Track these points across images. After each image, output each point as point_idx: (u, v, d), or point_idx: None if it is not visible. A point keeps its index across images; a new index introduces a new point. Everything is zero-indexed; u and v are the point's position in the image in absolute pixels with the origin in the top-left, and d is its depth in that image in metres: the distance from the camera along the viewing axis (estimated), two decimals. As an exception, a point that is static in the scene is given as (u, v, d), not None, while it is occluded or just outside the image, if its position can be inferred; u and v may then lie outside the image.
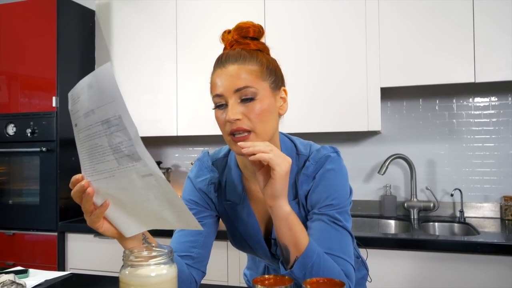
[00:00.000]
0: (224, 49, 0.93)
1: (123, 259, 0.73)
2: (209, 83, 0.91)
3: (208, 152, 1.06)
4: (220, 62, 0.88)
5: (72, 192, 0.74)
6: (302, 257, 0.81)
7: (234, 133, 0.85)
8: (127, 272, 0.72)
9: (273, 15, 2.27)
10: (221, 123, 0.88)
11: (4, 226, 2.41)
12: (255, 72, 0.86)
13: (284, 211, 0.81)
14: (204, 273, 1.01)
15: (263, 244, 1.01)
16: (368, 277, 1.19)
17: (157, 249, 0.76)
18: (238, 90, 0.84)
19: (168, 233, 1.08)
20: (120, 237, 0.81)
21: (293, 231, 0.82)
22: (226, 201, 1.01)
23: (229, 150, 1.03)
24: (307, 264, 0.80)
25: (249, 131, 0.84)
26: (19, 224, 2.38)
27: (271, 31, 2.25)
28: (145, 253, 0.75)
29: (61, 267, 2.30)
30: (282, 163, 0.79)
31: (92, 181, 0.73)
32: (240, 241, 1.04)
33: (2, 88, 2.47)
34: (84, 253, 2.30)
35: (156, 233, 0.88)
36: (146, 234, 0.87)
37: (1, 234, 2.41)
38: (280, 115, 0.93)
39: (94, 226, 0.77)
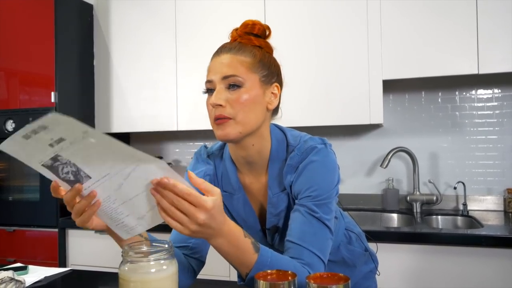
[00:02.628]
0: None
1: (122, 255, 0.71)
2: None
3: (206, 146, 1.09)
4: (216, 51, 0.93)
5: (67, 197, 0.70)
6: (252, 272, 0.80)
7: (215, 118, 0.89)
8: (126, 268, 0.71)
9: (274, 7, 2.25)
10: (209, 109, 0.91)
11: (5, 222, 2.40)
12: (246, 63, 0.89)
13: (217, 244, 0.77)
14: (203, 263, 1.01)
15: (259, 233, 1.02)
16: (377, 271, 1.20)
17: (157, 244, 0.75)
18: (225, 78, 0.88)
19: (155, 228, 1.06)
20: (112, 234, 0.81)
21: (234, 255, 0.79)
22: (223, 192, 1.02)
23: (225, 143, 1.04)
24: None
25: (229, 118, 0.87)
26: (19, 221, 2.37)
27: (271, 23, 2.22)
28: (145, 248, 0.73)
29: (62, 264, 2.30)
30: (183, 228, 0.70)
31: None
32: None
33: (1, 84, 2.45)
34: (85, 249, 2.29)
35: (159, 228, 0.86)
36: None
37: (1, 231, 2.40)
38: (268, 110, 0.94)
39: (84, 224, 0.74)
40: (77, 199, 0.71)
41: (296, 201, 0.93)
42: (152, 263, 0.70)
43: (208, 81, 0.91)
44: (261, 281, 0.69)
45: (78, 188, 0.68)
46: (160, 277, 0.71)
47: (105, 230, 0.81)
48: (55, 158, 0.64)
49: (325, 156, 0.92)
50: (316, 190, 0.90)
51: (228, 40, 0.97)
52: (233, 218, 1.04)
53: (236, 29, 0.97)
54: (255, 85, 0.89)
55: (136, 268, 0.70)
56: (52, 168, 0.66)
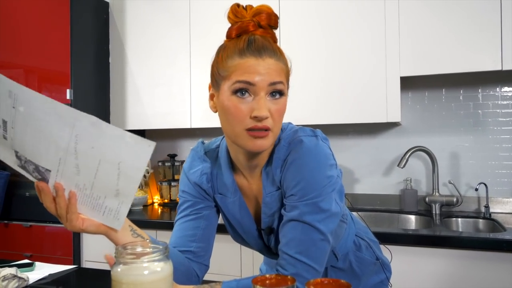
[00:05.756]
0: (239, 28, 0.86)
1: (115, 256, 0.69)
2: (222, 63, 0.86)
3: (203, 142, 1.03)
4: (256, 49, 0.81)
5: (44, 201, 0.72)
6: None
7: (253, 129, 0.80)
8: (119, 270, 0.68)
9: (289, 2, 2.20)
10: (241, 114, 0.80)
11: (22, 218, 2.44)
12: (284, 72, 0.84)
13: None
14: (207, 267, 0.99)
15: (256, 236, 0.98)
16: (389, 283, 1.11)
17: (151, 245, 0.72)
18: (273, 84, 0.80)
19: (169, 227, 1.04)
20: (108, 232, 0.80)
21: None
22: (218, 194, 0.98)
23: (221, 142, 0.99)
24: None
25: (270, 130, 0.81)
26: (36, 216, 2.40)
27: (285, 19, 2.18)
28: (138, 249, 0.71)
29: (77, 259, 2.32)
30: None
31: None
32: (233, 232, 1.03)
33: (20, 81, 2.48)
34: (99, 246, 2.30)
35: (156, 226, 0.84)
36: (132, 226, 0.84)
37: (18, 226, 2.44)
38: None
39: (75, 226, 0.75)
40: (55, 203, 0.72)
41: (284, 200, 0.86)
42: (145, 264, 0.67)
43: (247, 82, 0.79)
44: (259, 286, 0.66)
45: (40, 186, 0.70)
46: (154, 279, 0.68)
47: (101, 232, 0.79)
48: (17, 155, 0.64)
49: (315, 150, 0.83)
50: (303, 188, 0.81)
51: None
52: (228, 221, 1.00)
53: (244, 8, 0.89)
54: (286, 95, 0.85)
55: (129, 269, 0.67)
56: (24, 168, 0.66)
